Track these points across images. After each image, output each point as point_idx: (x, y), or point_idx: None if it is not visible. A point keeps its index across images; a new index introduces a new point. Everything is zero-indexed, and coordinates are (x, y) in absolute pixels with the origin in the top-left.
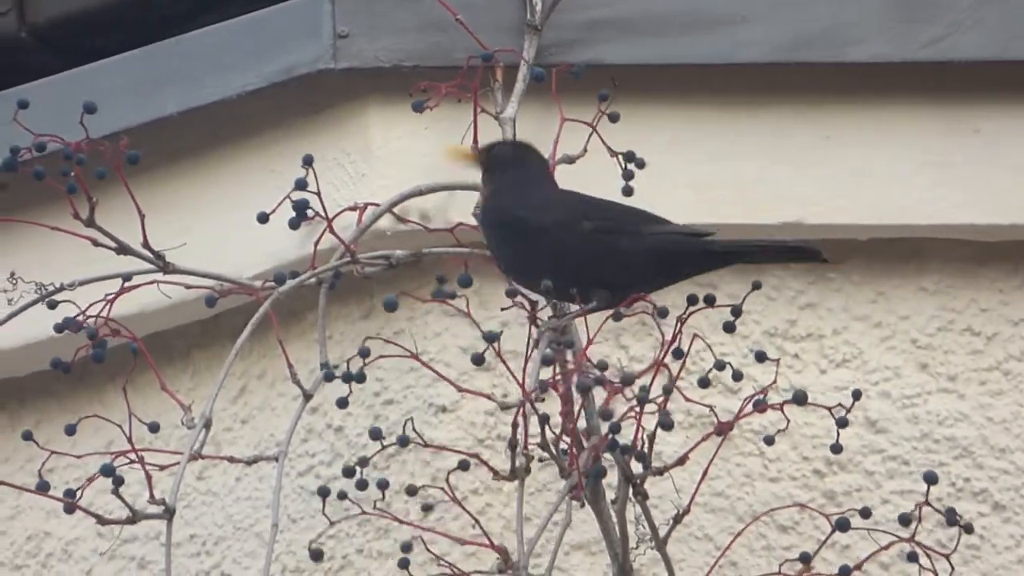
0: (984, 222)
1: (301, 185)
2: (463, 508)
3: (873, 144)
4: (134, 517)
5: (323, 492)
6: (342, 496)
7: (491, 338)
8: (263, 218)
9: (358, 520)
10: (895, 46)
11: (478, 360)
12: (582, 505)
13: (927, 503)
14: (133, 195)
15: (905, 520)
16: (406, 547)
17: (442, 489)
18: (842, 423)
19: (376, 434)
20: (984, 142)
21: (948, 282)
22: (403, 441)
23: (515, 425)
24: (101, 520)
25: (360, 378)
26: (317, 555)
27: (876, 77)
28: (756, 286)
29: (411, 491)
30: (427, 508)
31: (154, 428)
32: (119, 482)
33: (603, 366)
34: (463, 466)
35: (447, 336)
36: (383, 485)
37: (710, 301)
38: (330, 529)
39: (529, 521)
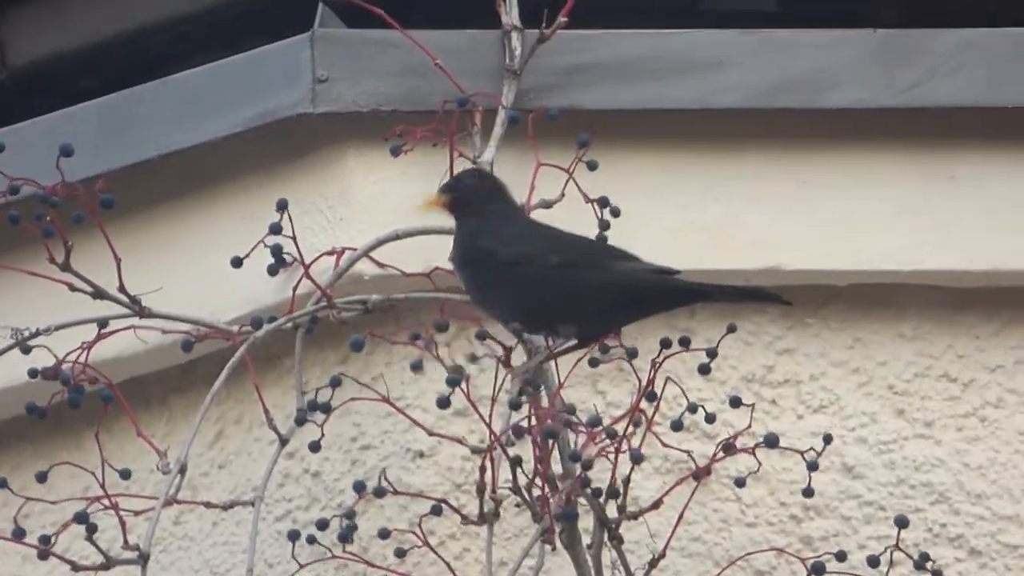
0: (961, 268)
1: (275, 230)
2: (436, 554)
3: (850, 190)
4: (108, 563)
5: (292, 536)
6: (311, 540)
7: (453, 382)
8: (237, 263)
9: (335, 565)
10: (872, 92)
11: (443, 404)
12: (553, 549)
13: (898, 547)
14: (109, 239)
15: (874, 562)
16: None
17: (414, 534)
18: (812, 466)
19: (360, 487)
20: (960, 188)
21: (925, 328)
22: (379, 492)
23: (483, 469)
24: (75, 566)
25: (326, 408)
26: None
27: (853, 123)
28: (731, 329)
29: (384, 534)
30: (400, 554)
31: (126, 475)
32: (92, 529)
33: (571, 410)
34: (435, 511)
35: (424, 381)
36: (352, 529)
37: (685, 343)
38: (307, 573)
39: (505, 566)
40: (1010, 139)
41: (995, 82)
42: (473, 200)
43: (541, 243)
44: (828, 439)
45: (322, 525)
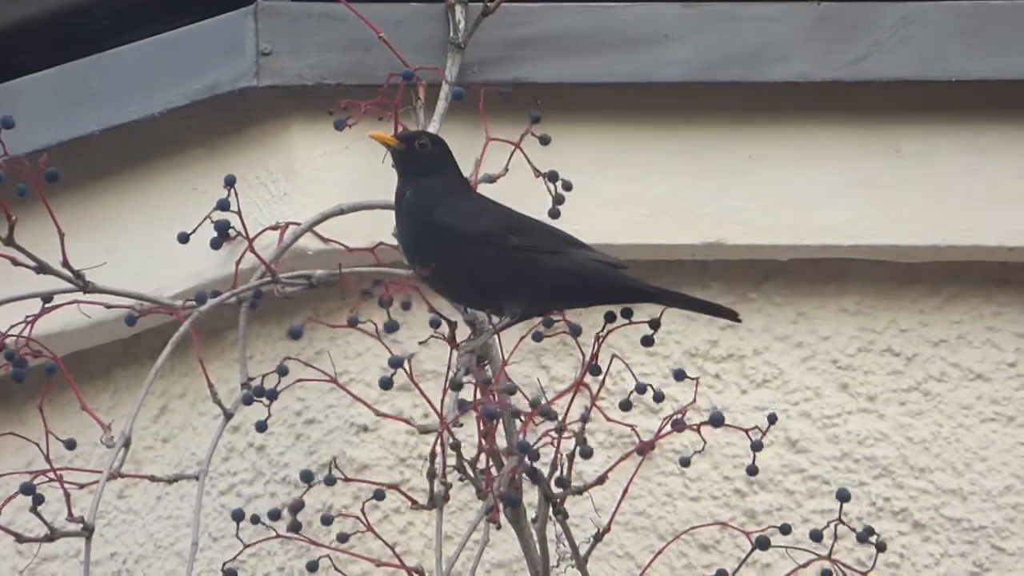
0: (905, 243)
1: (223, 206)
2: (377, 536)
3: (795, 163)
4: (52, 535)
5: (237, 515)
6: (255, 520)
7: (397, 363)
8: (184, 238)
9: (279, 541)
10: (818, 65)
11: (386, 384)
12: (498, 527)
13: (840, 521)
14: (53, 213)
15: (816, 536)
16: (312, 566)
17: (357, 518)
18: (757, 447)
19: (308, 477)
20: (905, 162)
21: (869, 303)
22: (330, 480)
23: (433, 455)
24: (19, 538)
25: (272, 395)
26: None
27: (799, 96)
28: None
29: (326, 520)
30: (343, 539)
31: (71, 445)
32: (39, 500)
33: (511, 390)
34: (378, 496)
35: (369, 356)
36: (296, 509)
37: (627, 315)
38: (251, 547)
39: (450, 539)
40: (955, 113)
41: (940, 55)
42: (426, 163)
43: (499, 221)
44: (772, 419)
45: (274, 515)
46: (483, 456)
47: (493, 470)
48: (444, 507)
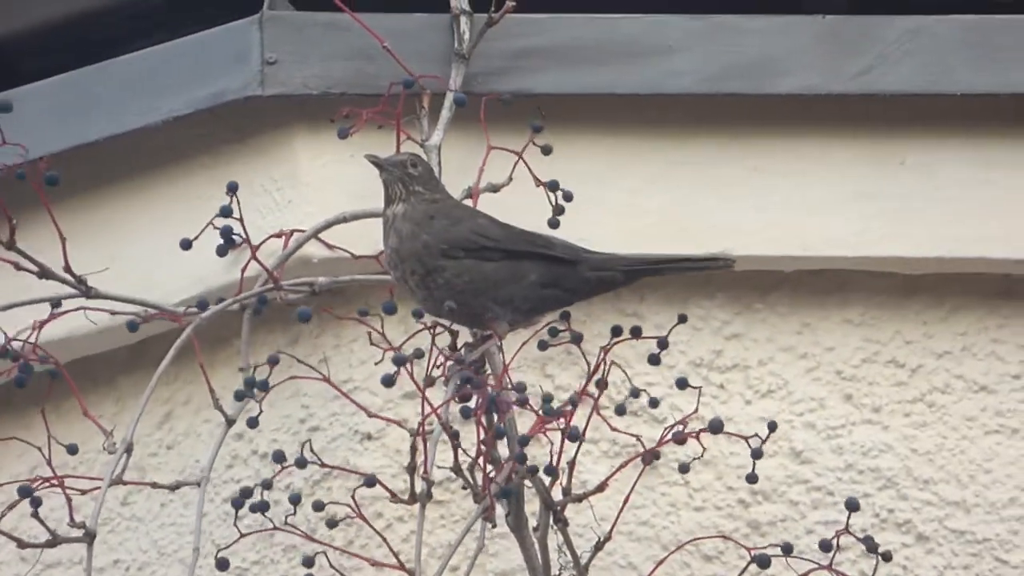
0: (909, 254)
1: (226, 212)
2: (371, 526)
3: (800, 175)
4: (54, 540)
5: (237, 504)
6: (255, 509)
7: (400, 360)
8: (186, 244)
9: (283, 547)
10: (823, 78)
11: (388, 382)
12: (493, 526)
13: (847, 531)
14: (54, 218)
15: (826, 547)
16: (308, 562)
17: (349, 506)
18: (757, 455)
19: (279, 458)
20: (910, 174)
21: (873, 314)
22: (300, 463)
23: (414, 448)
24: (21, 543)
25: (264, 386)
26: (223, 564)
27: (804, 109)
28: (682, 319)
29: (318, 507)
30: (332, 524)
31: (73, 451)
32: (37, 503)
33: (521, 387)
34: (369, 483)
35: (371, 364)
36: (295, 500)
37: (636, 332)
38: (254, 555)
39: (451, 546)
40: (959, 126)
41: (945, 69)
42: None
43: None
44: (773, 426)
45: (246, 494)
46: (481, 461)
47: (490, 472)
48: (447, 513)
